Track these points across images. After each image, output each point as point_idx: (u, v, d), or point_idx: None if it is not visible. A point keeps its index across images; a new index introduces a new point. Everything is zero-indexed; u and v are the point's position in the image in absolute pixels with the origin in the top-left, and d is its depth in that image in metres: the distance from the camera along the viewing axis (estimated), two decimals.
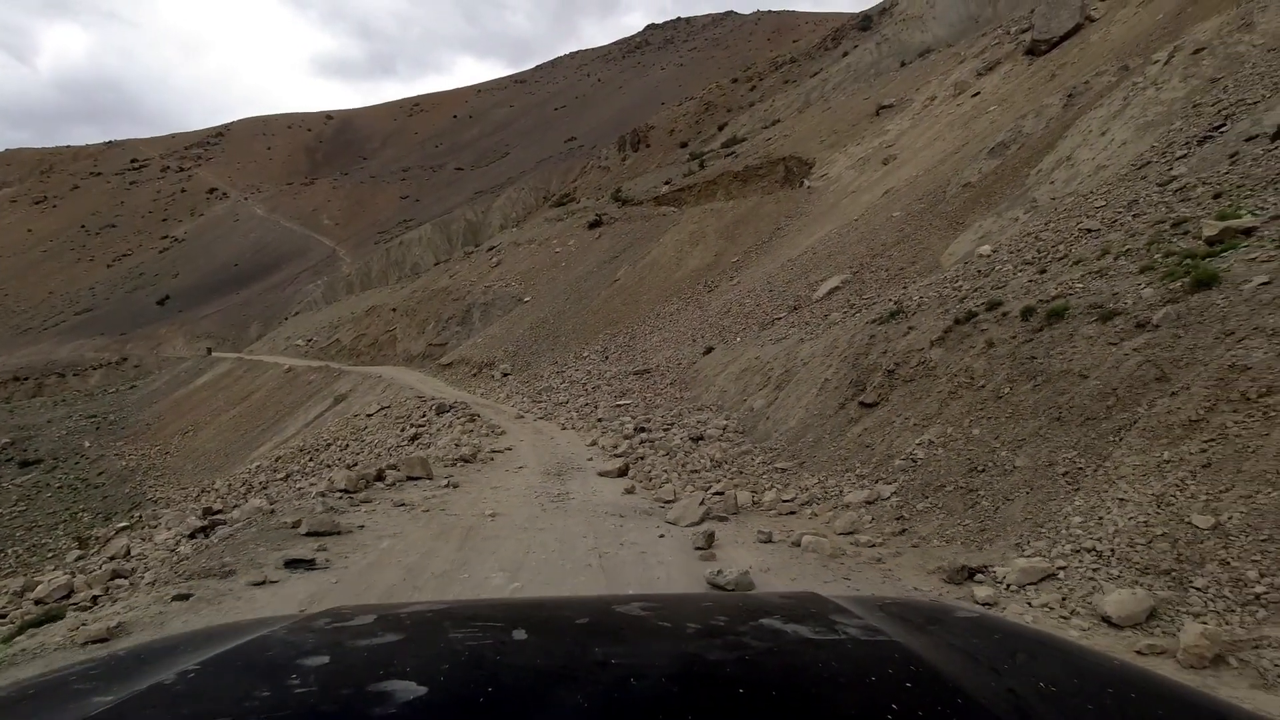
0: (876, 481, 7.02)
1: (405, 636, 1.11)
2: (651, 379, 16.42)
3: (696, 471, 9.33)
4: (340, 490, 9.08)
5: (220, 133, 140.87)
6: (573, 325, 24.57)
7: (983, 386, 6.94)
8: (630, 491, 8.72)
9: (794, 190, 31.39)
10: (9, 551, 19.48)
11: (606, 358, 20.40)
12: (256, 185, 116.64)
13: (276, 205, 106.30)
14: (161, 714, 0.83)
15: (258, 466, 19.37)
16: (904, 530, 6.12)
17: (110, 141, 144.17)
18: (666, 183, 38.99)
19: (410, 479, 9.57)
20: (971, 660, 1.00)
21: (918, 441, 6.97)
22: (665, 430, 11.36)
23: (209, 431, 26.74)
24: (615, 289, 26.22)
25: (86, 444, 28.67)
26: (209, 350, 49.21)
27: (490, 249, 39.09)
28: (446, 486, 9.15)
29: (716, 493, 8.02)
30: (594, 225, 34.56)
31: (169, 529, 13.19)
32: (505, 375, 22.67)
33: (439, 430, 14.96)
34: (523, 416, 16.22)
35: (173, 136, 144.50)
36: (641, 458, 10.20)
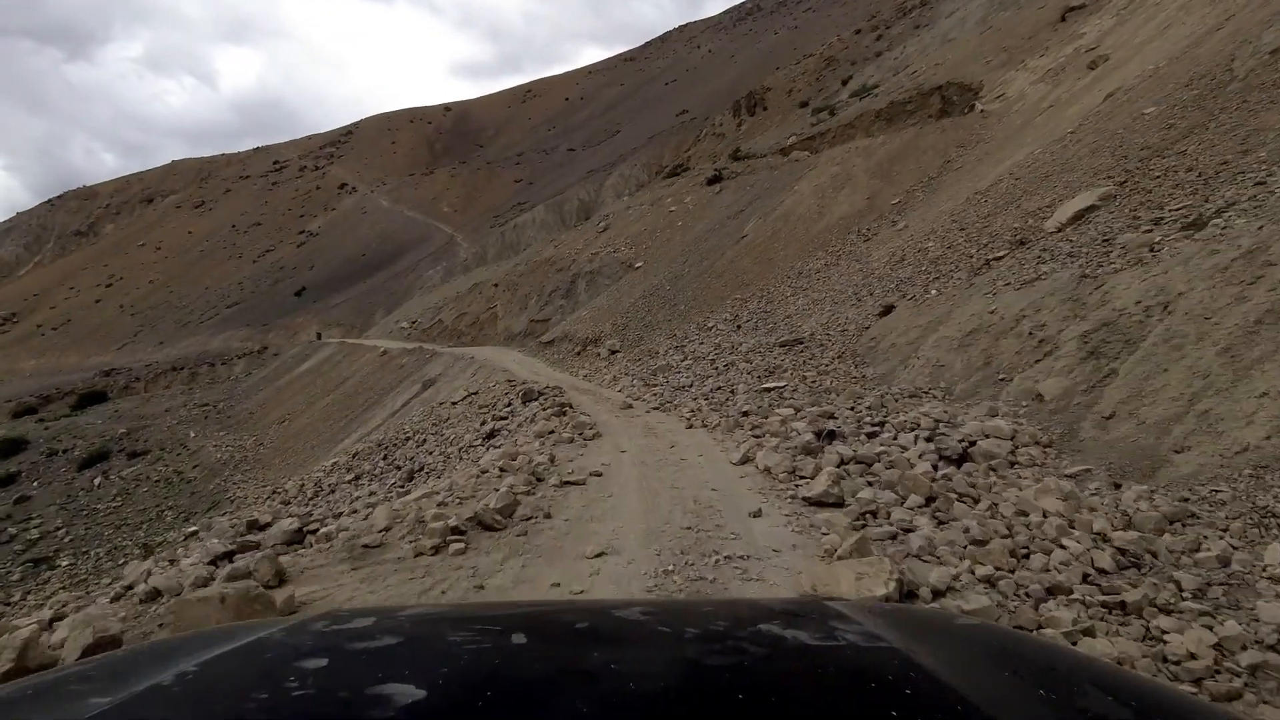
0: None
1: (403, 639, 1.06)
2: (808, 351, 11.85)
3: (1118, 610, 3.62)
4: None
5: (350, 131, 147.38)
6: (693, 291, 20.33)
7: None
8: None
9: (959, 118, 26.00)
10: (91, 554, 18.08)
11: (739, 327, 15.98)
12: (382, 178, 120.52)
13: (400, 196, 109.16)
14: (159, 714, 0.83)
15: (334, 464, 16.71)
16: None
17: (257, 147, 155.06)
18: (792, 135, 33.84)
19: None
20: (972, 667, 0.97)
21: None
22: (870, 436, 6.58)
23: (303, 420, 24.98)
24: (743, 247, 21.68)
25: (191, 434, 27.96)
26: (318, 335, 48.95)
27: (600, 219, 35.50)
28: None
29: None
30: (713, 180, 30.02)
31: (195, 555, 10.39)
32: (613, 352, 18.83)
33: (521, 424, 11.24)
34: (631, 406, 12.15)
35: (309, 138, 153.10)
36: (873, 513, 4.88)
